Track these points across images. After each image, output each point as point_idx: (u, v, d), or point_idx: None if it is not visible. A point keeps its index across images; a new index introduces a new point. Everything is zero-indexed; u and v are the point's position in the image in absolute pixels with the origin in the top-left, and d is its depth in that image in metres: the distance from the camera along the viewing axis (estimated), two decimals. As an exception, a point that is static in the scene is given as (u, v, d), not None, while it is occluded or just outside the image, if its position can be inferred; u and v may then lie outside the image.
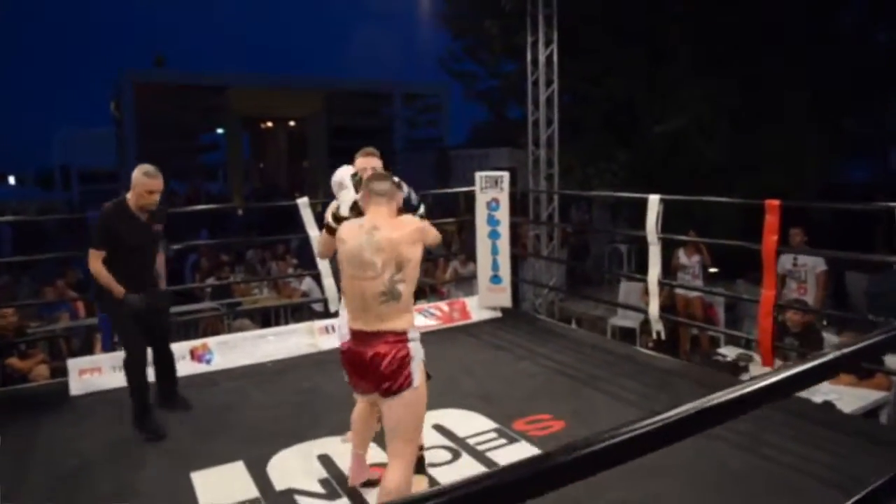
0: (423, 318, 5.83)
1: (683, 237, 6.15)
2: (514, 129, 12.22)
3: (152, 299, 3.81)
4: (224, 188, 30.09)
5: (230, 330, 7.14)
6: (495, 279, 6.08)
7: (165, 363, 4.06)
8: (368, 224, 2.55)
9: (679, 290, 7.03)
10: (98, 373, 4.59)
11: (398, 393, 2.50)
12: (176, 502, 2.95)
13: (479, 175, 6.07)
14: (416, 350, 2.59)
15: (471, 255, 8.91)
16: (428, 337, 5.42)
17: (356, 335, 2.58)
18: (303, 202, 5.38)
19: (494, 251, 6.05)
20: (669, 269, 7.06)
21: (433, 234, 2.79)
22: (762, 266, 4.15)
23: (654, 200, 4.65)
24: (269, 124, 26.78)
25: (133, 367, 3.70)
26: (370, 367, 2.51)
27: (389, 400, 2.52)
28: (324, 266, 5.30)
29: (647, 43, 9.92)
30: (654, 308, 4.82)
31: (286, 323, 7.58)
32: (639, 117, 10.23)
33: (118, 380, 4.55)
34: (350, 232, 2.58)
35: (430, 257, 9.46)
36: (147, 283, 3.81)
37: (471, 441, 3.48)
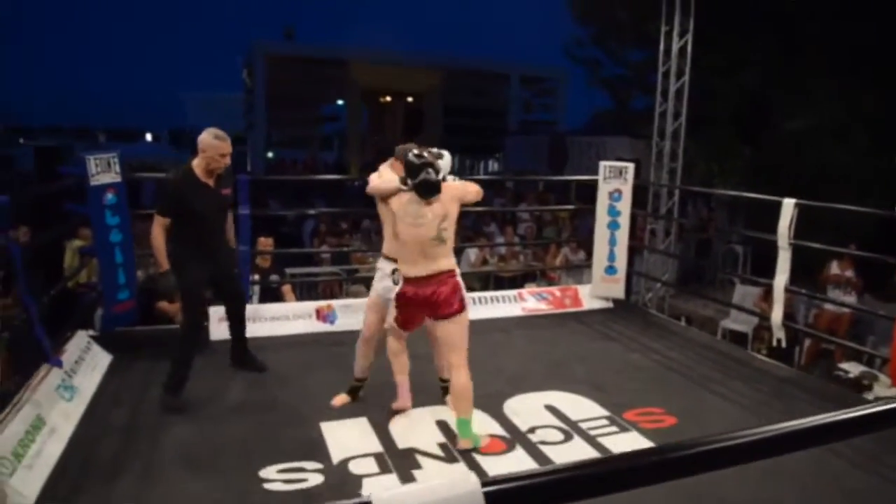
0: (535, 301, 5.95)
1: (836, 248, 5.83)
2: (636, 119, 12.00)
3: (226, 264, 3.99)
4: (339, 158, 31.22)
5: (346, 294, 7.54)
6: (610, 270, 6.08)
7: (238, 325, 4.21)
8: None
9: (828, 306, 6.75)
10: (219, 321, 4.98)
11: (453, 316, 3.27)
12: (309, 447, 3.23)
13: (603, 164, 6.06)
14: (461, 282, 3.35)
15: (582, 243, 8.94)
16: (539, 320, 5.67)
17: (416, 281, 3.25)
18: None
19: (612, 242, 6.04)
20: (818, 279, 6.81)
21: (473, 191, 3.37)
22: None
23: (788, 204, 4.51)
24: (388, 98, 27.42)
25: (187, 341, 3.77)
26: (431, 301, 3.25)
27: (447, 323, 3.29)
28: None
29: (782, 36, 9.44)
30: (777, 315, 4.70)
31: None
32: (767, 114, 9.79)
33: (251, 330, 4.96)
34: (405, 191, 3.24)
35: (542, 242, 9.54)
36: (219, 248, 3.92)
37: (582, 425, 3.58)
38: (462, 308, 3.29)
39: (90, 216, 4.60)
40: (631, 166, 6.03)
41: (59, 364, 3.68)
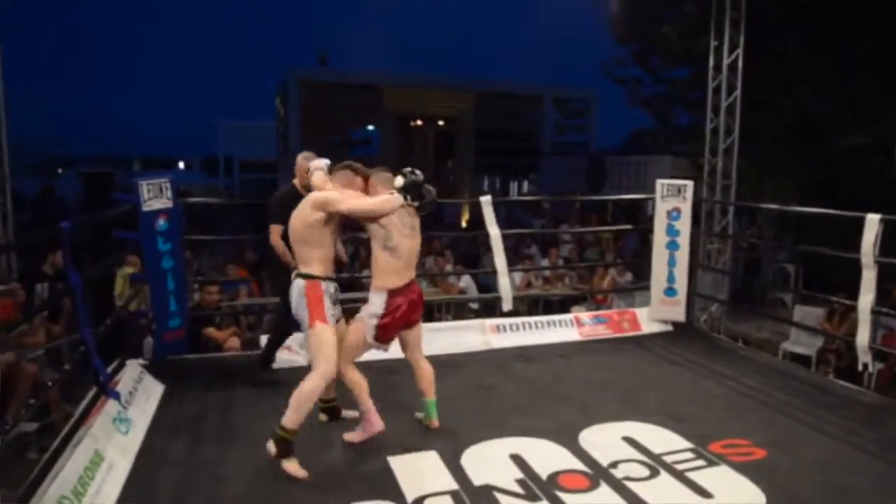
0: (592, 324, 5.72)
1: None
2: (680, 137, 11.73)
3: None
4: (371, 182, 31.17)
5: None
6: (670, 291, 5.84)
7: None
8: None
9: None
10: (287, 350, 4.86)
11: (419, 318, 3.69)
12: (379, 485, 3.04)
13: (660, 182, 5.85)
14: None
15: (629, 264, 8.67)
16: (599, 345, 5.44)
17: (406, 289, 3.47)
18: (485, 200, 5.42)
19: (671, 262, 5.81)
20: (891, 298, 6.47)
21: None
22: None
23: (873, 220, 4.24)
24: (419, 122, 27.44)
25: (275, 344, 4.59)
26: (419, 303, 3.62)
27: (417, 324, 3.70)
28: (501, 263, 5.32)
29: (836, 50, 9.15)
30: (863, 337, 4.40)
31: (441, 318, 7.73)
32: (820, 130, 9.46)
33: (305, 358, 4.83)
34: None
35: (588, 265, 9.29)
36: None
37: (667, 459, 3.34)
38: None
39: (142, 242, 4.53)
40: (690, 184, 5.81)
41: (118, 396, 3.56)
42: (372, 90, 24.93)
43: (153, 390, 4.20)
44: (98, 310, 5.11)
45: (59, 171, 39.35)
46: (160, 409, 3.98)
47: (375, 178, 3.50)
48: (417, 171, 3.34)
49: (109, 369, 3.93)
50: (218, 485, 3.06)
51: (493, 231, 5.34)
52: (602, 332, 5.69)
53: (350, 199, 3.32)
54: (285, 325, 4.38)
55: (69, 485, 2.72)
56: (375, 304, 3.45)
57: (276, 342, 4.65)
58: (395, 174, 3.39)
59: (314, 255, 3.30)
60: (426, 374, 3.73)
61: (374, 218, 3.35)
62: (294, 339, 4.90)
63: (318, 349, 3.23)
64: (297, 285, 3.31)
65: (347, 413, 3.78)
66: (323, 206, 3.25)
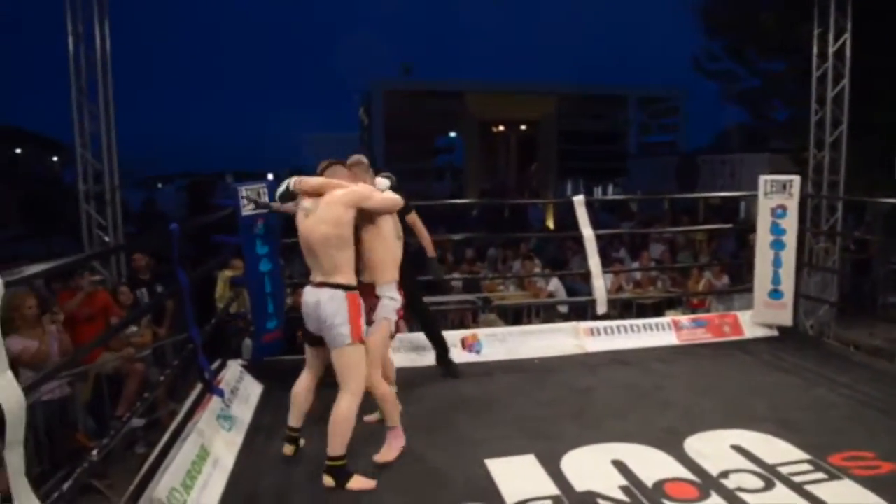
0: (691, 328, 5.48)
1: None
2: (777, 133, 11.17)
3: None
4: (453, 189, 31.46)
5: (477, 323, 7.33)
6: (775, 294, 5.51)
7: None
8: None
9: None
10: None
11: None
12: (478, 488, 2.98)
13: (763, 178, 5.54)
14: None
15: (725, 267, 8.28)
16: (698, 349, 5.20)
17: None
18: (578, 199, 5.30)
19: (776, 263, 5.48)
20: None
21: None
22: None
23: None
24: (501, 128, 27.44)
25: (438, 339, 4.64)
26: None
27: None
28: (595, 265, 5.18)
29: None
30: None
31: (530, 321, 7.62)
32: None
33: (397, 359, 4.84)
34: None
35: (683, 268, 8.94)
36: None
37: (782, 470, 3.12)
38: None
39: (242, 246, 4.66)
40: (796, 179, 5.47)
41: (222, 394, 3.67)
42: (455, 97, 25.14)
43: (252, 390, 4.30)
44: (199, 312, 5.32)
45: (159, 185, 41.58)
46: (259, 409, 4.07)
47: (358, 168, 3.54)
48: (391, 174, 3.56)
49: (213, 367, 4.06)
50: (318, 484, 3.09)
51: (587, 232, 5.21)
52: (702, 336, 5.44)
53: (376, 194, 3.24)
54: (429, 315, 4.63)
55: (178, 477, 2.81)
56: (395, 297, 3.31)
57: (437, 334, 4.64)
58: (377, 173, 3.60)
59: (346, 260, 3.06)
60: (391, 375, 3.70)
61: (389, 212, 3.33)
62: (405, 339, 4.90)
63: (355, 368, 3.03)
64: (337, 296, 3.02)
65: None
66: (358, 203, 3.10)
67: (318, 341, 3.19)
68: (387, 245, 3.31)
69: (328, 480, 3.01)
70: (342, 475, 3.01)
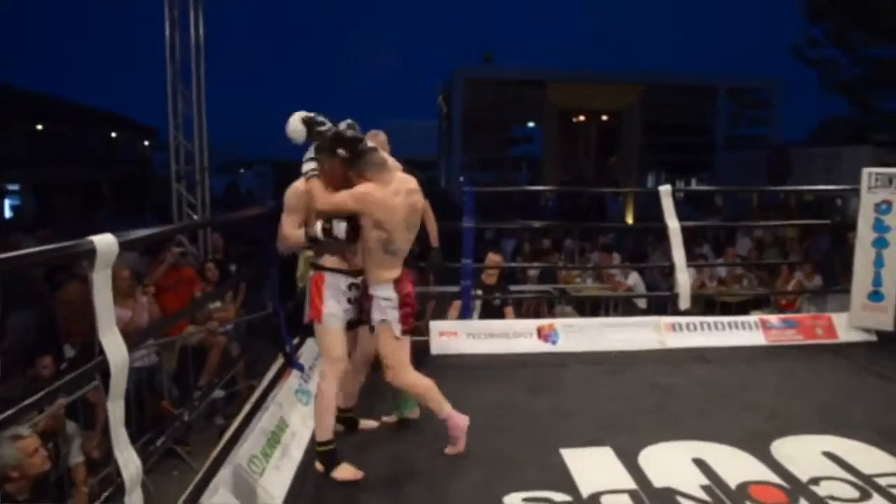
0: (780, 328, 5.22)
1: None
2: (882, 124, 10.47)
3: None
4: (528, 179, 31.15)
5: (553, 314, 7.23)
6: (875, 296, 5.17)
7: None
8: (402, 188, 2.93)
9: None
10: (454, 336, 4.90)
11: None
12: (553, 476, 2.93)
13: (867, 171, 5.20)
14: None
15: (819, 266, 7.85)
16: (787, 351, 4.95)
17: (403, 277, 2.94)
18: (665, 189, 5.13)
19: (878, 263, 5.13)
20: None
21: None
22: None
23: None
24: (581, 118, 26.93)
25: None
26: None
27: None
28: (679, 258, 5.00)
29: None
30: None
31: (607, 314, 7.47)
32: None
33: (471, 346, 4.84)
34: (396, 196, 2.87)
35: (771, 265, 8.55)
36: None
37: (880, 481, 2.92)
38: None
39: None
40: (906, 172, 5.10)
41: (302, 368, 3.75)
42: (536, 86, 24.84)
43: (329, 367, 4.38)
44: (283, 290, 5.47)
45: (241, 170, 42.95)
46: (336, 386, 4.14)
47: (374, 140, 3.19)
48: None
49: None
50: (394, 462, 3.11)
51: (672, 224, 5.03)
52: (791, 337, 5.17)
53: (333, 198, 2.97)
54: None
55: (259, 445, 2.89)
56: (389, 297, 2.93)
57: None
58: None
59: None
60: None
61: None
62: (462, 326, 4.93)
63: (322, 348, 3.03)
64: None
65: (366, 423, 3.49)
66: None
67: (348, 324, 3.08)
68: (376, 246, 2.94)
69: (319, 466, 2.98)
70: (328, 461, 2.94)
